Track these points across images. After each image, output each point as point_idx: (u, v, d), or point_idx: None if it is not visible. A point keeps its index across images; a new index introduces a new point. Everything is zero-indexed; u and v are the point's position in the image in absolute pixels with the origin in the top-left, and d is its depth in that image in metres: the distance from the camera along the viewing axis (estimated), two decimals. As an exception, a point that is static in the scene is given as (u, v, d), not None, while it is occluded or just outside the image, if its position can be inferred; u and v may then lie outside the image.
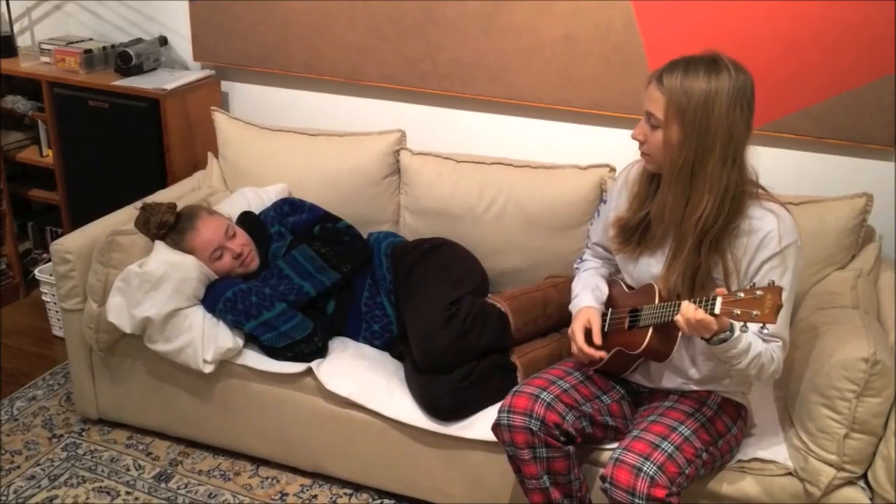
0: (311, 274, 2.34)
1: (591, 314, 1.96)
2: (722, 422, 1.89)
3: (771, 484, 1.93)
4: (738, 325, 1.66)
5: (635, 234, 1.90)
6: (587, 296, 2.03)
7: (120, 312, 2.31)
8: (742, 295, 1.55)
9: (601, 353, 1.91)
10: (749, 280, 1.76)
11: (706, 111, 1.66)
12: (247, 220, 2.53)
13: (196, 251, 2.35)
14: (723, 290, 1.62)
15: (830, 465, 1.85)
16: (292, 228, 2.52)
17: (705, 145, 1.67)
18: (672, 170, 1.73)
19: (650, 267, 1.90)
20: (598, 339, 1.92)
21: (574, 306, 2.04)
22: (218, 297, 2.30)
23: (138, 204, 2.50)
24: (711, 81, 1.65)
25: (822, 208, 2.27)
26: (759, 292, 1.52)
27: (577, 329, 1.95)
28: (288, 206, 2.56)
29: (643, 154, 1.80)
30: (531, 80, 2.65)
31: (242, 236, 2.42)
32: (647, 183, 1.87)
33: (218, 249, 2.36)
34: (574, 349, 1.95)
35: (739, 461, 1.95)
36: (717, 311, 1.58)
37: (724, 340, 1.66)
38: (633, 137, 1.78)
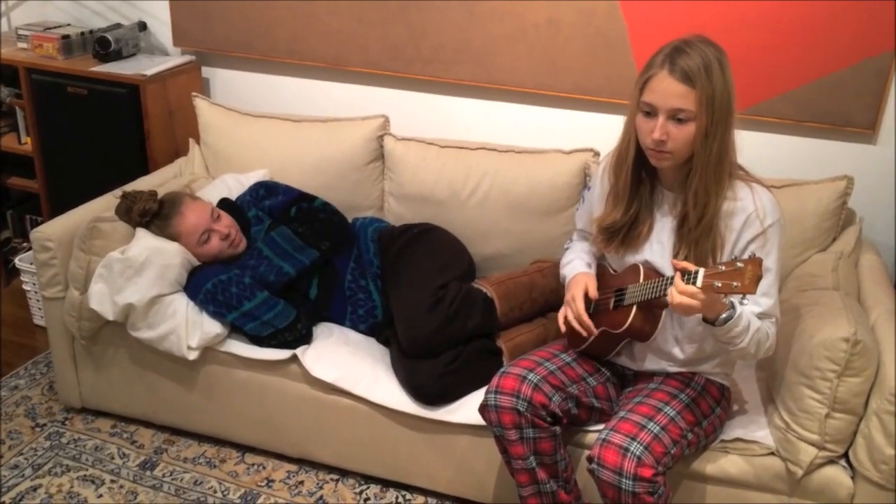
0: (290, 254, 2.33)
1: (587, 279, 1.95)
2: (706, 402, 1.91)
3: (753, 464, 1.95)
4: (737, 303, 1.67)
5: (619, 234, 1.89)
6: (581, 264, 2.03)
7: (102, 299, 2.29)
8: (723, 268, 1.57)
9: (594, 330, 1.89)
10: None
11: (727, 91, 1.67)
12: (225, 207, 2.51)
13: (182, 236, 2.33)
14: (680, 262, 1.63)
15: (812, 444, 1.87)
16: (269, 212, 2.51)
17: (728, 124, 1.69)
18: (706, 159, 1.70)
19: (635, 258, 1.90)
20: (593, 294, 1.92)
21: (569, 271, 2.03)
22: (198, 288, 2.28)
23: (118, 192, 2.47)
24: (716, 58, 1.66)
25: (803, 191, 2.29)
26: (739, 264, 1.54)
27: (577, 294, 1.92)
28: (264, 190, 2.55)
29: (663, 153, 1.72)
30: (515, 65, 2.65)
31: (227, 218, 2.41)
32: (631, 182, 1.84)
33: (205, 233, 2.34)
34: (570, 315, 1.92)
35: (723, 441, 1.98)
36: (699, 283, 1.59)
37: (729, 319, 1.67)
38: (658, 139, 1.68)
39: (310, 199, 2.51)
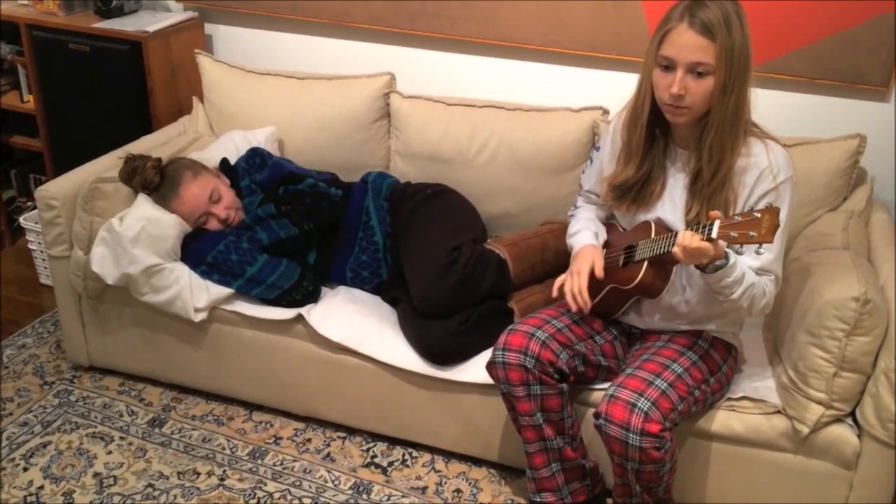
0: (269, 225, 2.31)
1: (596, 255, 1.92)
2: (713, 360, 1.91)
3: (760, 422, 1.95)
4: (732, 253, 1.66)
5: (631, 192, 1.87)
6: (588, 234, 2.01)
7: (104, 263, 2.28)
8: (739, 218, 1.55)
9: (587, 308, 1.88)
10: None
11: (745, 44, 1.64)
12: (224, 170, 2.49)
13: (180, 216, 2.33)
14: (716, 213, 1.61)
15: (819, 403, 1.87)
16: (260, 185, 2.47)
17: (745, 79, 1.67)
18: (723, 114, 1.68)
19: (647, 216, 1.88)
20: (600, 273, 1.89)
21: (576, 242, 2.01)
22: (199, 261, 2.28)
23: (122, 153, 2.45)
24: (735, 11, 1.63)
25: (815, 150, 2.26)
26: (756, 214, 1.52)
27: (583, 269, 1.89)
28: (259, 159, 2.49)
29: (680, 108, 1.70)
30: (522, 21, 2.60)
31: (228, 198, 2.38)
32: (645, 139, 1.81)
33: (203, 216, 2.34)
34: (572, 287, 1.89)
35: (729, 399, 1.98)
36: (714, 234, 1.58)
37: (720, 268, 1.66)
38: (677, 93, 1.66)
39: (297, 181, 2.39)
